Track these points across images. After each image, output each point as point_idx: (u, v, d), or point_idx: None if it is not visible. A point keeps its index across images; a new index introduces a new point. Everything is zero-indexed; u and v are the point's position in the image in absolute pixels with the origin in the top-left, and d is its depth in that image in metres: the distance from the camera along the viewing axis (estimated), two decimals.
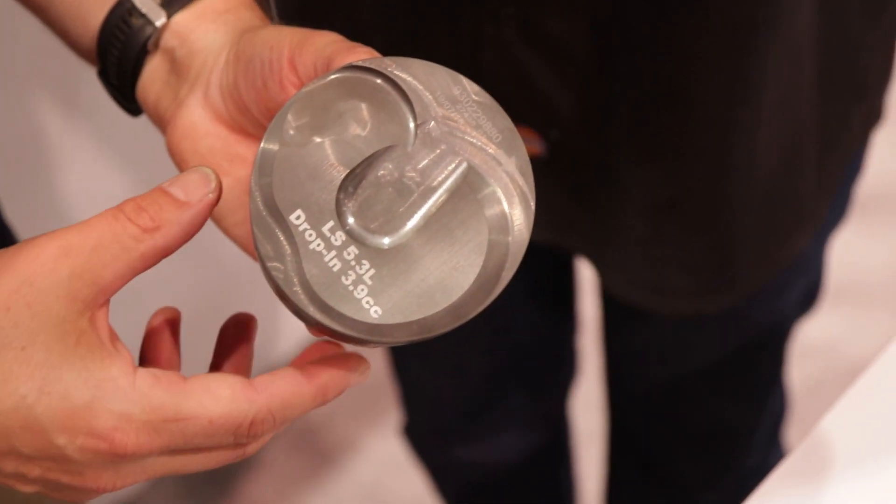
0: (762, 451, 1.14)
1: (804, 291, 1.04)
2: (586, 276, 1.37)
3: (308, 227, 0.49)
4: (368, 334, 0.48)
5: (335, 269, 0.48)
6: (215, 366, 0.57)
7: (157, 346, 0.56)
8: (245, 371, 0.57)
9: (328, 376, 0.51)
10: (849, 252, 1.64)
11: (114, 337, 0.48)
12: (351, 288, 0.48)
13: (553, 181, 0.86)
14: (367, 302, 0.48)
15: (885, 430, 0.73)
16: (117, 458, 0.47)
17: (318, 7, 0.79)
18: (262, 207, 0.49)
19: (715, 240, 0.87)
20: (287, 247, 0.48)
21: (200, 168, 0.51)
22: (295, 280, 0.48)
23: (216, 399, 0.48)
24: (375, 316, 0.48)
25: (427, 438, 1.27)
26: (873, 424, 0.74)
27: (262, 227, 0.49)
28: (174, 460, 0.49)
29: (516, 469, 1.25)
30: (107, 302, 0.49)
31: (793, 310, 1.04)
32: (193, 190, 0.50)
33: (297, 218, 0.49)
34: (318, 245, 0.49)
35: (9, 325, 0.46)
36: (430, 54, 0.80)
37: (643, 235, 0.87)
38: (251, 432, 0.49)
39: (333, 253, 0.49)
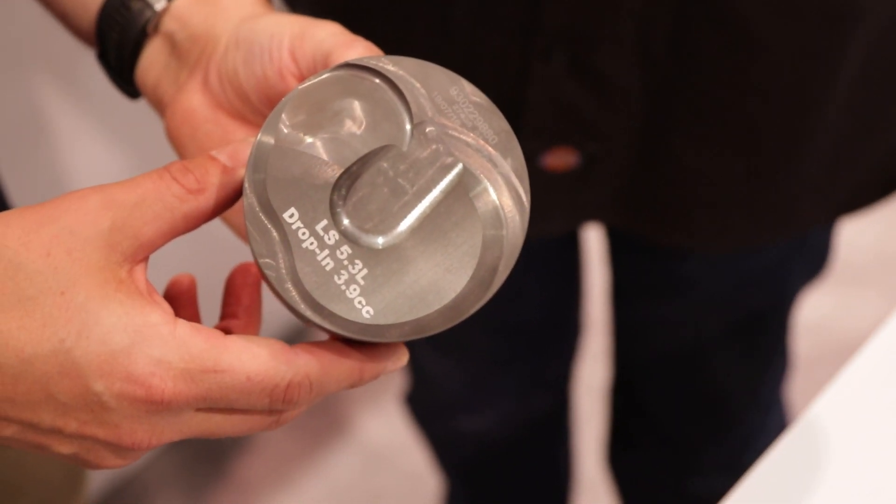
0: (764, 410, 1.16)
1: (810, 263, 1.06)
2: (594, 249, 1.37)
3: (301, 225, 0.48)
4: (360, 334, 0.48)
5: (328, 268, 0.48)
6: (226, 313, 0.57)
7: (179, 312, 0.56)
8: (256, 316, 0.57)
9: (368, 356, 0.51)
10: (840, 231, 1.64)
11: (152, 290, 0.48)
12: (343, 287, 0.48)
13: (594, 187, 0.88)
14: (360, 302, 0.48)
15: (877, 412, 0.74)
16: (153, 405, 0.46)
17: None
18: (255, 204, 0.48)
19: (783, 196, 0.89)
20: (280, 245, 0.48)
21: (249, 139, 0.51)
22: (287, 278, 0.48)
23: (254, 356, 0.47)
24: (367, 316, 0.48)
25: (429, 408, 1.28)
26: (865, 406, 0.74)
27: (255, 224, 0.48)
28: (209, 419, 0.49)
29: (515, 439, 1.26)
30: (146, 259, 0.49)
31: (798, 281, 1.06)
32: (240, 157, 0.50)
33: (291, 216, 0.48)
34: (312, 244, 0.48)
35: (48, 270, 0.46)
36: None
37: (702, 202, 0.89)
38: (287, 396, 0.48)
39: (326, 252, 0.48)
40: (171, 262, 0.70)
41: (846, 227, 1.68)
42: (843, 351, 1.67)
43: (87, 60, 0.65)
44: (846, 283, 1.81)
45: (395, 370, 0.53)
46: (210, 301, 0.64)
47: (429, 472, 1.63)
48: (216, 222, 0.62)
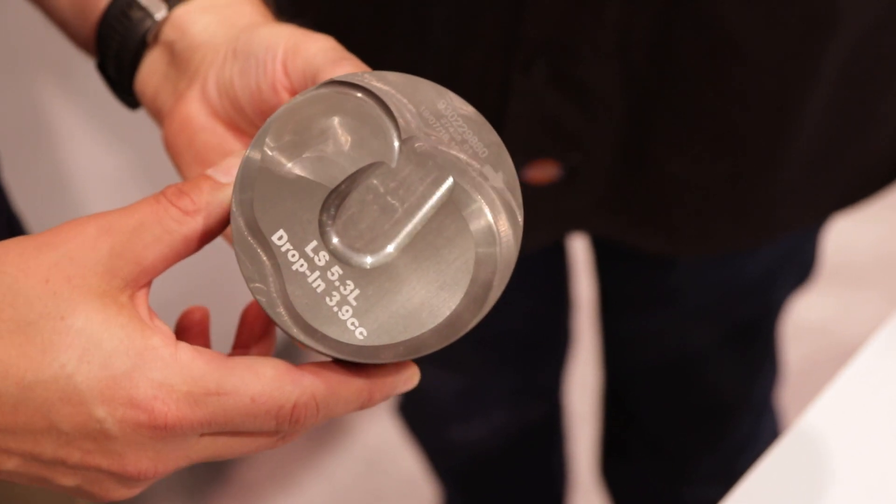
0: (756, 417, 1.16)
1: (796, 270, 1.05)
2: (580, 259, 1.37)
3: (291, 247, 0.47)
4: (354, 356, 0.47)
5: (319, 289, 0.47)
6: (238, 343, 0.56)
7: (190, 343, 0.55)
8: (269, 347, 0.57)
9: (377, 377, 0.50)
10: (839, 233, 1.64)
11: (153, 315, 0.48)
12: (335, 309, 0.47)
13: (577, 197, 0.87)
14: (352, 323, 0.47)
15: (872, 417, 0.73)
16: (157, 431, 0.45)
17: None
18: (243, 227, 0.48)
19: (764, 202, 0.89)
20: (270, 268, 0.47)
21: (244, 152, 0.50)
22: (278, 301, 0.47)
23: (258, 377, 0.47)
24: (361, 337, 0.47)
25: (421, 419, 1.28)
26: (861, 412, 0.74)
27: (244, 247, 0.47)
28: (215, 443, 0.48)
29: (509, 447, 1.26)
30: (148, 284, 0.48)
31: (785, 289, 1.06)
32: (235, 172, 0.49)
33: (280, 238, 0.47)
34: (302, 266, 0.47)
35: (48, 296, 0.45)
36: None
37: (685, 208, 0.88)
38: (293, 417, 0.47)
39: (317, 273, 0.47)
40: (180, 286, 0.70)
41: (846, 228, 1.68)
42: (846, 352, 1.66)
43: (88, 63, 0.64)
44: (846, 284, 1.80)
45: (406, 390, 0.51)
46: (221, 327, 0.63)
47: (428, 475, 1.63)
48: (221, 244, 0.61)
